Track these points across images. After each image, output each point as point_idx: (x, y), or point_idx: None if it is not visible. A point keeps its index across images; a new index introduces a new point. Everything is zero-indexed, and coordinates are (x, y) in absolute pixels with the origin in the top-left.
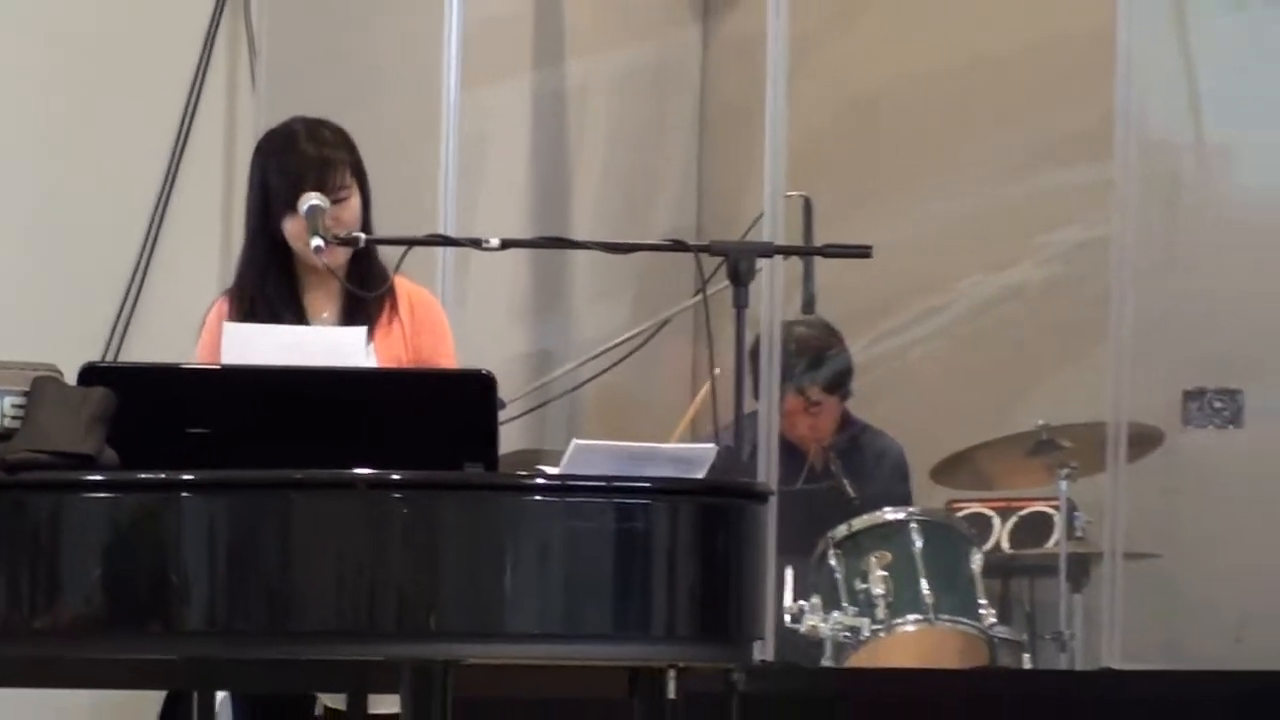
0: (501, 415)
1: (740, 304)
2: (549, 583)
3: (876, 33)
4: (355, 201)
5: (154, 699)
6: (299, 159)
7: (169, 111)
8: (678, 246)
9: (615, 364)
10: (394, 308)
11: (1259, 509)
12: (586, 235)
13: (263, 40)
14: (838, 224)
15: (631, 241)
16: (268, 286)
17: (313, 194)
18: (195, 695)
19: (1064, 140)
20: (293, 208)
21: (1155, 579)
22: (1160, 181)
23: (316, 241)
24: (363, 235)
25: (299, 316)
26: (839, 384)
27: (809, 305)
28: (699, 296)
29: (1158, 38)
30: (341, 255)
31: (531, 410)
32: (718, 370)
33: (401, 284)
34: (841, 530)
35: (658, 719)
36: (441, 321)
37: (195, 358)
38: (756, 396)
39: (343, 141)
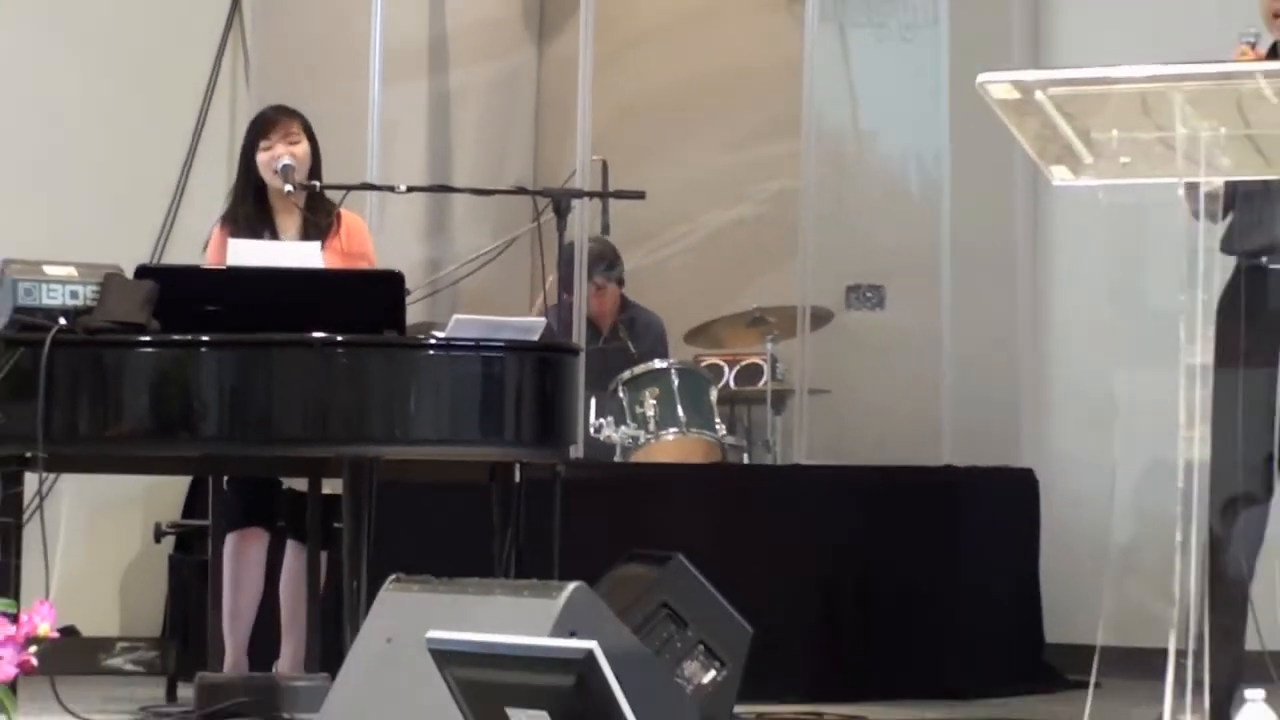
0: (407, 299)
1: (561, 229)
2: (439, 407)
3: (650, 53)
4: (305, 145)
5: (182, 482)
6: (266, 120)
7: (194, 99)
8: (521, 191)
9: (480, 267)
10: (338, 229)
11: (894, 363)
12: (463, 184)
13: (254, 55)
14: (625, 178)
15: (491, 188)
16: (251, 215)
17: (283, 152)
18: (209, 479)
19: (769, 124)
20: (260, 147)
21: (828, 406)
22: (830, 152)
23: (288, 188)
24: (317, 184)
25: (273, 234)
26: (614, 273)
27: (605, 230)
28: (535, 224)
29: (830, 58)
30: (299, 193)
31: (426, 296)
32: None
33: (342, 213)
34: (626, 374)
35: (508, 497)
36: (367, 238)
37: (204, 263)
38: (570, 290)
39: (294, 113)
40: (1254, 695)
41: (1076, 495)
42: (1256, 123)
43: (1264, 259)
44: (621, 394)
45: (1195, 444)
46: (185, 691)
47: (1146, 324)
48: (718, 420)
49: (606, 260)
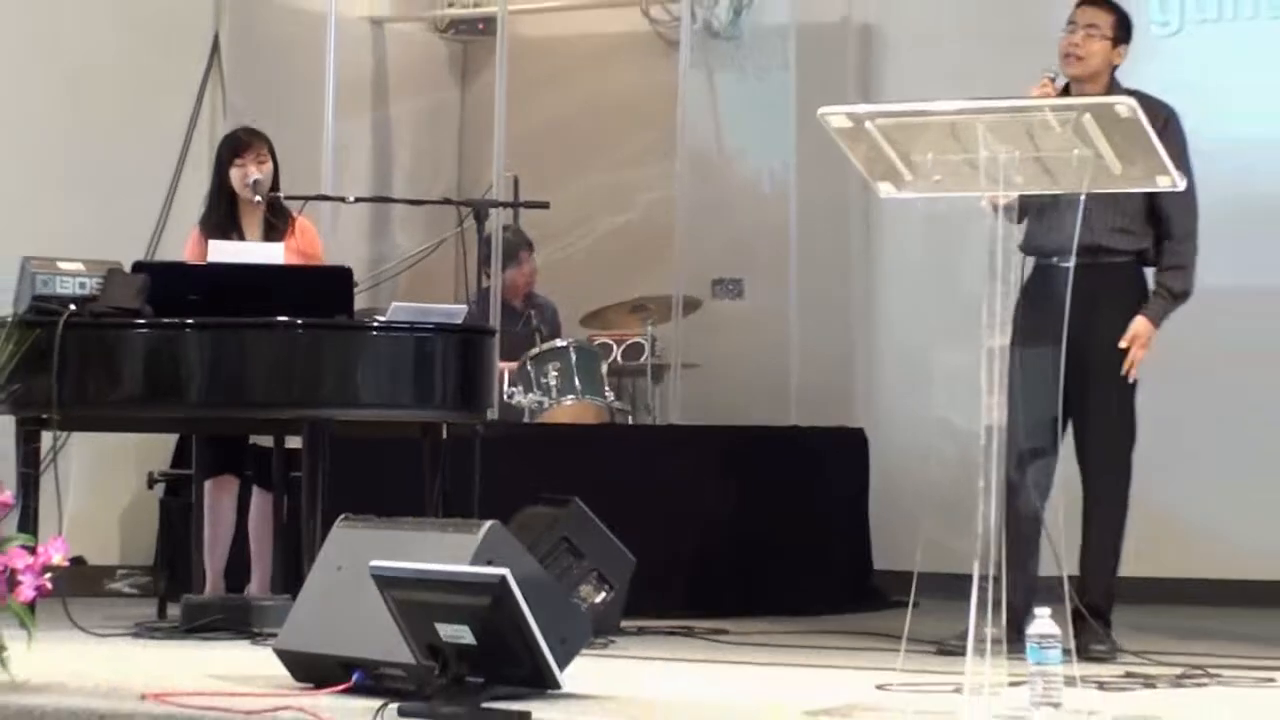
0: (355, 289)
1: (480, 233)
2: (380, 377)
3: (553, 89)
4: (270, 164)
5: (171, 439)
6: (238, 140)
7: (181, 125)
8: (447, 201)
9: (415, 263)
10: (293, 232)
11: (751, 342)
12: (400, 195)
13: (230, 91)
14: (533, 190)
15: (423, 199)
16: (222, 220)
17: (254, 171)
18: (193, 437)
19: (651, 147)
20: (236, 163)
21: (697, 378)
22: (699, 169)
23: (257, 198)
24: (281, 194)
25: (239, 235)
26: (530, 246)
27: (518, 232)
28: (459, 228)
29: (699, 95)
30: (264, 203)
31: (370, 287)
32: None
33: (297, 219)
34: (533, 351)
35: (436, 451)
36: (317, 240)
37: (184, 259)
38: (486, 274)
39: (261, 135)
40: (1042, 612)
41: (899, 448)
42: (1044, 147)
43: (1055, 259)
44: (529, 367)
45: (994, 408)
46: (173, 610)
47: (957, 309)
48: (607, 389)
49: (525, 241)
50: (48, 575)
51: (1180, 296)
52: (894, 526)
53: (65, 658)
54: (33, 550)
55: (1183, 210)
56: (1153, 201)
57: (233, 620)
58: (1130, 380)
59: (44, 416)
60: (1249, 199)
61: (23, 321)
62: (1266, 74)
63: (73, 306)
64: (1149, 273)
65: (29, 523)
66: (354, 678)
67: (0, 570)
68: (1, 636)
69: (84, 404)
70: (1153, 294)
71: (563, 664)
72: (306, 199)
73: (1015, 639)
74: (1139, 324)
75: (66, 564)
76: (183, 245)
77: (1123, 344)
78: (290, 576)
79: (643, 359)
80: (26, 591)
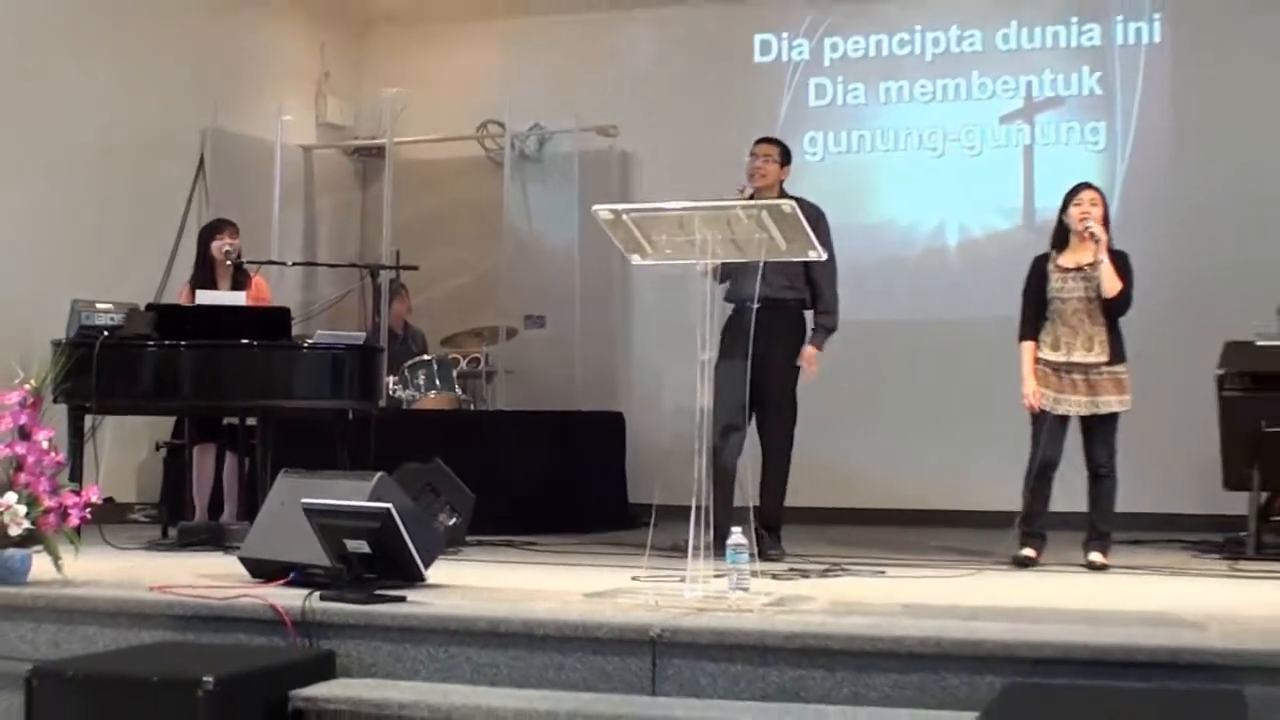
0: (292, 322)
1: (376, 285)
2: (308, 379)
3: (422, 192)
4: (237, 241)
5: (171, 419)
6: (215, 224)
7: (178, 212)
8: (353, 265)
9: (331, 305)
10: (251, 285)
11: (550, 355)
12: (323, 260)
13: (212, 190)
14: (410, 258)
15: (337, 263)
16: (204, 277)
17: (226, 245)
18: (186, 418)
19: (484, 230)
20: (215, 240)
21: (516, 380)
22: (516, 244)
23: (228, 262)
24: (244, 260)
25: (216, 287)
26: (405, 291)
27: (400, 285)
28: (361, 283)
29: (517, 196)
30: (233, 266)
31: (302, 320)
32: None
33: (254, 277)
34: (409, 362)
35: (345, 428)
36: (266, 289)
37: (180, 302)
38: (379, 311)
39: (231, 221)
40: (736, 530)
41: (646, 424)
42: (737, 232)
43: (746, 302)
44: (406, 373)
45: (704, 397)
46: (172, 532)
47: (683, 334)
48: (458, 387)
49: (403, 288)
50: (88, 509)
51: (832, 329)
52: (642, 474)
53: (99, 563)
54: (78, 493)
55: (827, 274)
56: (809, 270)
57: (212, 539)
58: (802, 382)
59: (86, 405)
60: (881, 261)
61: (72, 342)
62: (881, 184)
63: (106, 333)
64: (808, 314)
65: (76, 474)
66: (291, 576)
67: (56, 506)
68: (57, 549)
69: (112, 397)
70: (813, 331)
71: (427, 565)
72: (260, 263)
73: (719, 547)
74: (809, 352)
75: (100, 502)
76: (179, 294)
77: (799, 363)
78: (250, 510)
79: (480, 367)
80: (74, 520)
